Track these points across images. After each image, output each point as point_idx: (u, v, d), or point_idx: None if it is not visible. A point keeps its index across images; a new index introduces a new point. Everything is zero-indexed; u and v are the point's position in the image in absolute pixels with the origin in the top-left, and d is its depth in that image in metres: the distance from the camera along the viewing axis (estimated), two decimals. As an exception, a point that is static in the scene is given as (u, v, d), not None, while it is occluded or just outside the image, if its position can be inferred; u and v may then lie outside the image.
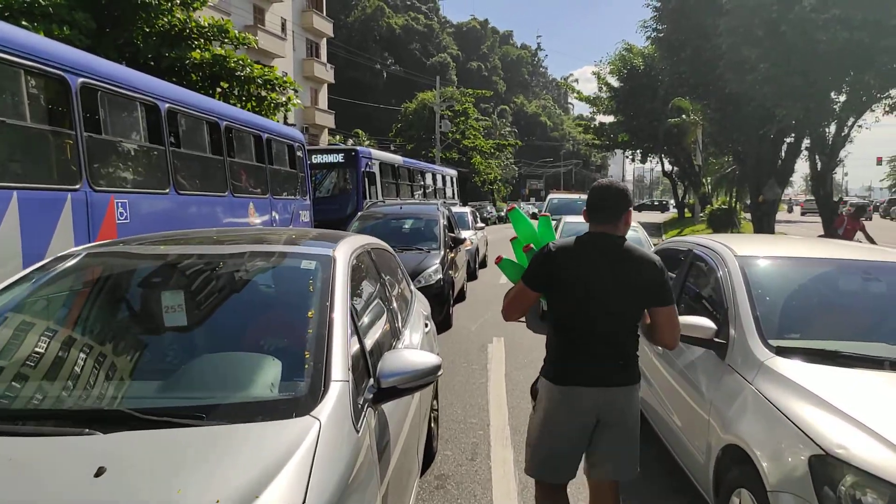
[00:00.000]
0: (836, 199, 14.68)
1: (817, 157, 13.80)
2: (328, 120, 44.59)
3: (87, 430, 1.69)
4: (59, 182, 5.89)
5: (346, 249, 2.73)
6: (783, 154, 19.49)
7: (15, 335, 2.23)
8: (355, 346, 2.32)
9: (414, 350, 2.39)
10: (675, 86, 22.50)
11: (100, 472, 1.51)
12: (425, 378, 2.24)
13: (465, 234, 13.00)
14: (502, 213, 45.12)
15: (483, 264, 15.16)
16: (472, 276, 13.41)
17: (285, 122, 33.05)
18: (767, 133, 15.80)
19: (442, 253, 8.77)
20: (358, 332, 2.38)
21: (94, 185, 6.23)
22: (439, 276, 8.29)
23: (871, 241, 12.79)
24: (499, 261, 3.00)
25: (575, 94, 44.92)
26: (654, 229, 27.29)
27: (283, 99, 16.69)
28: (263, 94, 16.42)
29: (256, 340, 2.29)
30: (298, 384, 1.99)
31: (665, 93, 29.69)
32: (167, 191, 7.55)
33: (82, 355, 2.20)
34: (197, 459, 1.62)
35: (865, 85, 12.09)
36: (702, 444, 3.07)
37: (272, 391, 2.03)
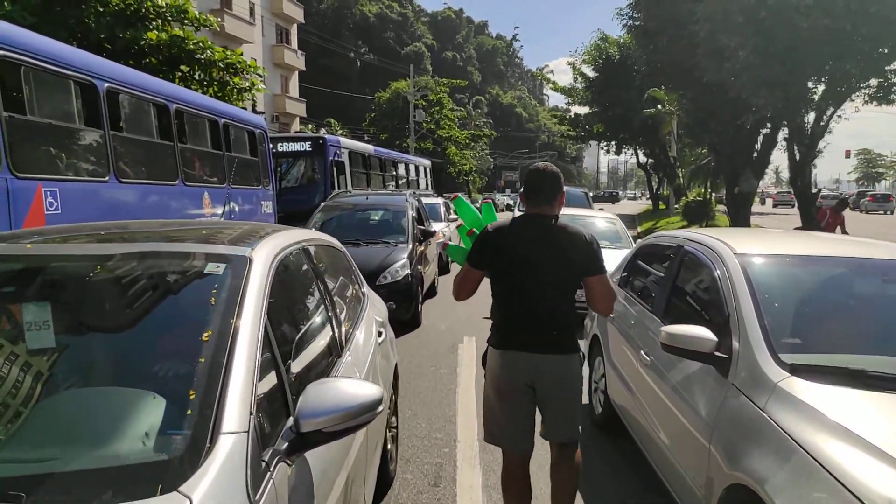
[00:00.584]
0: (814, 190, 14.48)
1: (796, 147, 13.54)
2: (299, 108, 43.59)
3: None
4: (-30, 168, 5.22)
5: (269, 249, 2.18)
6: (759, 145, 19.28)
7: None
8: (271, 377, 1.79)
9: (348, 380, 1.86)
10: (652, 75, 22.13)
11: None
12: (360, 417, 1.72)
13: (437, 226, 12.48)
14: (477, 204, 44.62)
15: (456, 257, 14.64)
16: (444, 269, 12.91)
17: (253, 110, 32.09)
18: (744, 123, 15.50)
19: (410, 247, 8.24)
20: (277, 356, 1.85)
21: (17, 171, 5.56)
22: (407, 271, 7.77)
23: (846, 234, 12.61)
24: (445, 247, 3.41)
25: (550, 85, 44.58)
26: (628, 221, 27.07)
27: (247, 84, 15.93)
28: (226, 78, 15.67)
29: (135, 372, 1.74)
30: (173, 440, 1.45)
31: (640, 83, 29.40)
32: (106, 178, 6.88)
33: None
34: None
35: (846, 73, 11.81)
36: (700, 476, 2.60)
37: (145, 444, 1.49)
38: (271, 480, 1.51)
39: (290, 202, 14.56)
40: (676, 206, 31.90)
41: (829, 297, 2.99)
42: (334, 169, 15.69)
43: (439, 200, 17.29)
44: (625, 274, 4.57)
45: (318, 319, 2.48)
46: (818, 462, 1.92)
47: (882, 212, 41.84)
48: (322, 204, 9.43)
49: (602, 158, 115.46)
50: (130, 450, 1.48)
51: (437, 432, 4.59)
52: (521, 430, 2.82)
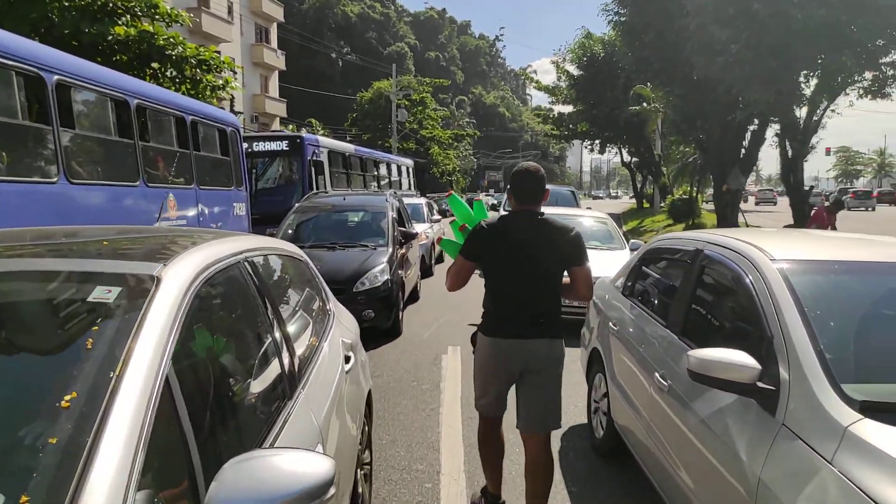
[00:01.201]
0: (806, 187, 14.12)
1: (788, 143, 13.18)
2: (279, 108, 42.81)
3: None
4: None
5: (189, 265, 1.63)
6: (747, 142, 18.97)
7: None
8: (171, 454, 1.25)
9: (286, 453, 1.32)
10: (638, 72, 21.76)
11: None
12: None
13: (419, 227, 11.94)
14: (494, 201, 44.08)
15: (440, 259, 14.13)
16: (427, 272, 12.38)
17: (231, 109, 31.37)
18: (734, 120, 15.17)
19: (390, 250, 7.69)
20: (183, 421, 1.30)
21: (-57, 171, 4.95)
22: (386, 276, 7.22)
23: None
24: (439, 241, 3.40)
25: (534, 84, 44.23)
26: (613, 220, 26.72)
27: (221, 81, 15.28)
28: (199, 75, 15.02)
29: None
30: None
31: (626, 80, 29.11)
32: (55, 179, 6.26)
33: None
34: None
35: (841, 66, 11.46)
36: (741, 536, 2.09)
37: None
38: None
39: (267, 203, 13.96)
40: (662, 204, 31.65)
41: (891, 312, 2.49)
42: (313, 169, 15.10)
43: (422, 201, 16.78)
44: (629, 281, 4.05)
45: (259, 355, 1.93)
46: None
47: (864, 208, 41.95)
48: (296, 205, 8.84)
49: (585, 157, 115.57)
50: None
51: (417, 462, 4.06)
52: (501, 402, 3.15)
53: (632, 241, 9.13)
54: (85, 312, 1.41)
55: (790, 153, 13.21)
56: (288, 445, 1.68)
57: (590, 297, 3.24)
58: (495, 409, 3.15)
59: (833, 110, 13.65)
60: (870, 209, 41.97)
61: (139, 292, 1.44)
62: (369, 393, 3.30)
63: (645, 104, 28.14)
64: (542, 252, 2.95)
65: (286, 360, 2.04)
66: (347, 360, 2.79)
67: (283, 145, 15.20)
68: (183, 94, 14.10)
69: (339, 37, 70.27)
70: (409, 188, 25.33)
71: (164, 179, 8.65)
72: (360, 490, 2.93)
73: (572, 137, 44.89)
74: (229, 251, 1.96)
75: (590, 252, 8.28)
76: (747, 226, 13.37)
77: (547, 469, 3.04)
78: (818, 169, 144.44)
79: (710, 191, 35.99)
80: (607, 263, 8.02)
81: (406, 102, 43.50)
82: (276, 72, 43.86)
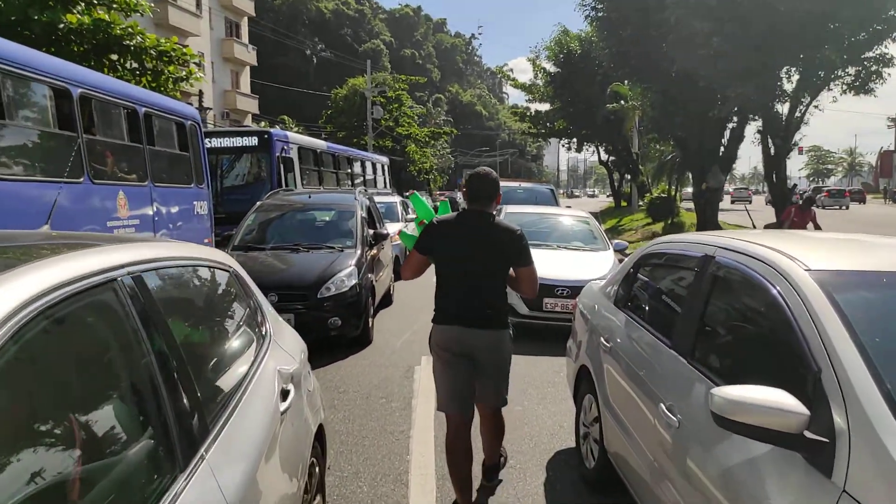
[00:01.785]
0: (789, 185, 13.85)
1: (770, 140, 12.89)
2: (251, 105, 41.87)
3: None
4: None
5: (11, 293, 1.09)
6: (726, 139, 18.75)
7: None
8: None
9: None
10: (616, 68, 21.44)
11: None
12: None
13: (393, 227, 11.38)
14: (437, 203, 43.52)
15: (415, 260, 13.55)
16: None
17: (200, 105, 30.45)
18: (715, 115, 14.88)
19: (359, 252, 7.14)
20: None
21: None
22: (354, 281, 6.66)
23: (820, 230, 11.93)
24: (399, 234, 3.59)
25: (510, 82, 43.86)
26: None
27: (184, 73, 14.54)
28: (160, 67, 14.27)
29: None
30: None
31: (603, 77, 28.83)
32: (-23, 175, 5.60)
33: None
34: None
35: (826, 60, 11.17)
36: None
37: None
38: None
39: (233, 202, 13.31)
40: (640, 202, 31.47)
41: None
42: (281, 166, 14.46)
43: (396, 199, 16.24)
44: (621, 290, 3.56)
45: (126, 412, 1.39)
46: None
47: (837, 206, 42.34)
48: (257, 203, 8.23)
49: (562, 156, 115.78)
50: None
51: (382, 500, 3.52)
52: (462, 398, 3.29)
53: (615, 241, 8.70)
54: None
55: (772, 150, 12.92)
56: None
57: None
58: (457, 404, 3.29)
59: (816, 106, 13.41)
60: (844, 207, 42.36)
61: None
62: (320, 428, 2.76)
63: (622, 102, 27.89)
64: (487, 250, 3.18)
65: (177, 414, 1.49)
66: (286, 395, 2.25)
67: (251, 141, 14.53)
68: (144, 86, 13.39)
69: (313, 33, 69.24)
70: (385, 186, 24.72)
71: (112, 176, 7.98)
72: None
73: (549, 135, 44.64)
74: (99, 266, 1.41)
75: (572, 253, 7.79)
76: (753, 226, 12.80)
77: (496, 429, 3.50)
78: (790, 168, 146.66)
79: (689, 189, 36.03)
80: (590, 266, 7.58)
81: (381, 100, 42.81)
82: (248, 67, 42.88)
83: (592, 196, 73.24)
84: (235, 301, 2.37)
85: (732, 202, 53.19)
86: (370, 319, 7.03)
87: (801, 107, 12.84)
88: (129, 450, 1.32)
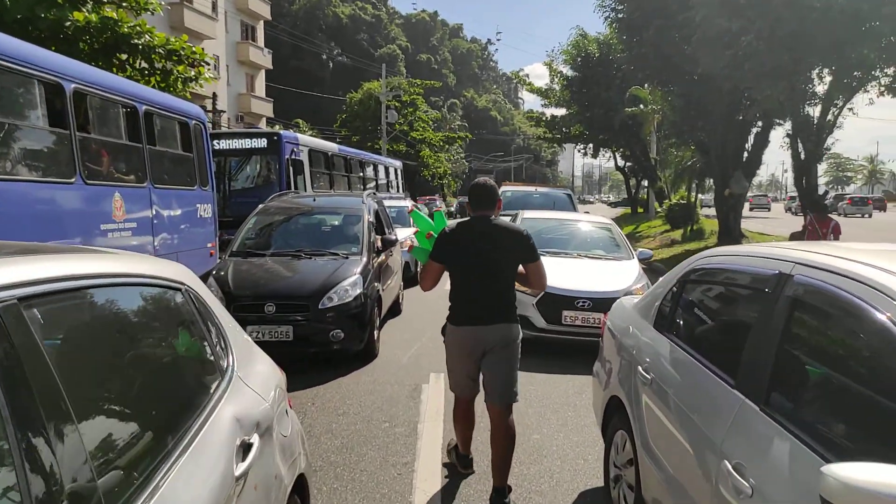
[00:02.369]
0: (821, 192, 13.17)
1: (800, 144, 12.27)
2: (265, 108, 41.70)
3: None
4: None
5: None
6: (750, 144, 18.08)
7: None
8: None
9: None
10: (636, 70, 20.83)
11: None
12: None
13: (404, 232, 10.90)
14: (452, 209, 43.07)
15: (427, 267, 13.06)
16: (412, 281, 11.32)
17: (214, 108, 30.26)
18: (742, 119, 14.25)
19: (364, 259, 6.65)
20: None
21: None
22: (359, 290, 6.18)
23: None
24: (410, 249, 4.14)
25: (527, 87, 43.35)
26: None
27: (193, 73, 14.20)
28: (169, 66, 13.97)
29: None
30: None
31: (622, 81, 28.22)
32: (-45, 173, 5.20)
33: None
34: None
35: (865, 59, 10.54)
36: None
37: None
38: None
39: (240, 205, 12.90)
40: (658, 209, 30.79)
41: None
42: (291, 168, 14.06)
43: (409, 203, 15.78)
44: (664, 310, 3.02)
45: None
46: None
47: (860, 215, 41.25)
48: (259, 206, 7.79)
49: (577, 161, 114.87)
50: None
51: (380, 552, 3.03)
52: (472, 382, 3.61)
53: (640, 250, 8.13)
54: None
55: (802, 155, 12.29)
56: None
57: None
58: (467, 390, 3.64)
59: (850, 109, 12.74)
60: (866, 216, 41.26)
61: None
62: (301, 478, 2.26)
63: (641, 106, 27.27)
64: (494, 251, 3.47)
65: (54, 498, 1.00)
66: (247, 450, 1.75)
67: (259, 142, 14.13)
68: (153, 86, 13.08)
69: (329, 38, 69.33)
70: (398, 190, 24.31)
71: (108, 176, 7.58)
72: None
73: (565, 141, 44.01)
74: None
75: (593, 262, 7.24)
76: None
77: (507, 437, 3.49)
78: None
79: (709, 195, 35.20)
80: (613, 276, 7.03)
81: (396, 103, 42.47)
82: (263, 71, 42.75)
83: (613, 203, 71.28)
84: (185, 329, 1.88)
85: (751, 209, 52.21)
86: (376, 332, 6.54)
87: (835, 109, 12.21)
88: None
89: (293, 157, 14.26)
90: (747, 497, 1.80)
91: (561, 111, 39.37)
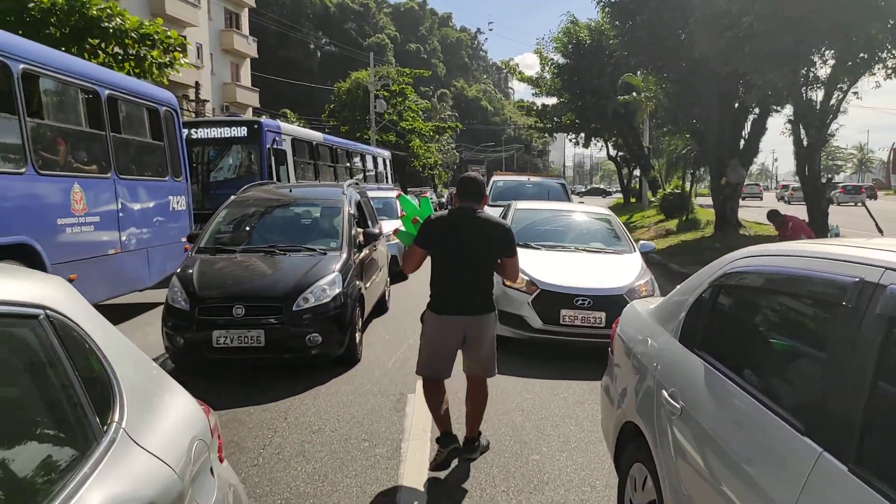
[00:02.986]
0: (823, 180, 12.71)
1: (803, 130, 11.78)
2: (251, 98, 40.85)
3: None
4: None
5: None
6: (747, 131, 17.62)
7: None
8: None
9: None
10: (628, 57, 20.28)
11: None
12: None
13: (391, 225, 10.33)
14: (443, 199, 42.55)
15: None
16: (399, 276, 10.78)
17: (197, 97, 29.44)
18: (742, 104, 13.75)
19: (344, 255, 6.10)
20: None
21: None
22: (337, 289, 5.63)
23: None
24: (395, 233, 4.01)
25: (517, 75, 42.65)
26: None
27: (168, 59, 13.53)
28: (143, 52, 13.30)
29: None
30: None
31: (613, 68, 27.66)
32: None
33: None
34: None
35: (872, 40, 10.04)
36: None
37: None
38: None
39: (219, 197, 12.22)
40: (652, 199, 30.35)
41: None
42: (273, 158, 13.43)
43: (393, 194, 15.19)
44: (691, 321, 2.48)
45: None
46: None
47: (853, 203, 40.98)
48: (230, 198, 7.21)
49: (568, 151, 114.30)
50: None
51: None
52: (446, 367, 3.83)
53: (641, 242, 7.62)
54: None
55: (805, 141, 11.80)
56: None
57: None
58: (437, 373, 3.79)
59: (855, 93, 12.26)
60: (859, 204, 41.00)
61: None
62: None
63: (634, 94, 26.74)
64: (477, 242, 3.64)
65: None
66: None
67: (239, 131, 13.49)
68: (127, 73, 12.43)
69: (317, 27, 68.29)
70: (387, 181, 23.69)
71: (65, 166, 6.97)
72: None
73: (556, 130, 43.32)
74: None
75: (593, 257, 6.69)
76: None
77: (480, 398, 3.83)
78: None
79: (703, 185, 34.74)
80: (614, 271, 6.50)
81: (385, 93, 41.70)
82: (248, 60, 41.86)
83: (606, 193, 70.43)
84: (36, 374, 1.33)
85: (743, 199, 51.90)
86: (357, 334, 5.99)
87: (839, 93, 11.72)
88: None
89: (275, 146, 13.64)
90: None
91: (552, 100, 38.75)
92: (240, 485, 2.01)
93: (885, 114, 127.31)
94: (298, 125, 31.24)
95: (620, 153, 42.18)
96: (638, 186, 37.39)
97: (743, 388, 1.94)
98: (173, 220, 9.38)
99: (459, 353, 3.82)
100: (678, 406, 2.21)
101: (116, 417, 1.46)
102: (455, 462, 3.79)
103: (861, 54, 10.69)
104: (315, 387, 5.25)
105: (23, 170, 6.16)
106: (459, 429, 3.98)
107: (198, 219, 10.39)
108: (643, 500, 2.56)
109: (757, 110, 17.20)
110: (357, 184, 8.72)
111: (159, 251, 8.77)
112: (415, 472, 3.71)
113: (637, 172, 39.35)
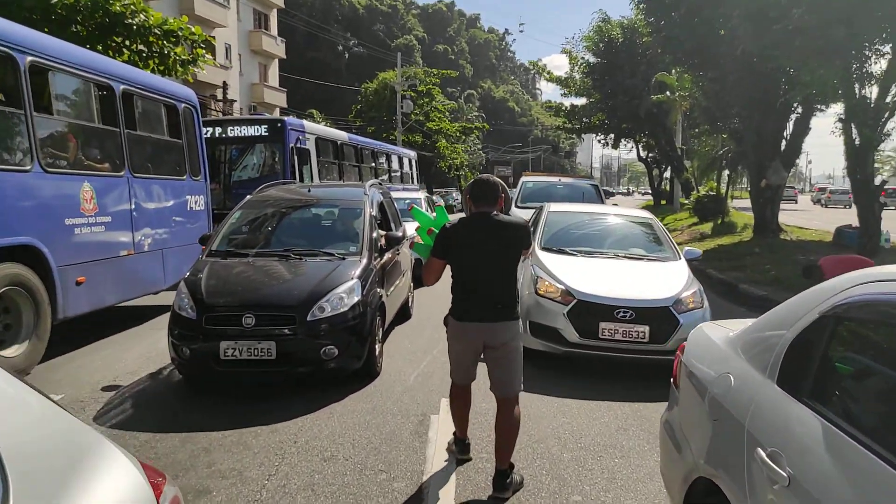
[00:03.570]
0: (877, 182, 11.90)
1: (855, 129, 11.02)
2: (279, 98, 40.86)
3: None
4: None
5: None
6: (789, 131, 16.79)
7: None
8: None
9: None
10: (663, 54, 19.56)
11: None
12: None
13: (414, 226, 9.90)
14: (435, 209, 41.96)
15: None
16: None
17: (224, 97, 29.41)
18: (786, 102, 13.01)
19: (364, 260, 5.64)
20: None
21: None
22: (356, 298, 5.18)
23: None
24: (412, 245, 4.09)
25: (546, 75, 41.97)
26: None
27: (191, 56, 13.30)
28: (167, 49, 13.09)
29: None
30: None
31: (647, 67, 26.90)
32: None
33: None
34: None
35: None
36: None
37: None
38: None
39: (242, 197, 11.98)
40: (685, 201, 29.44)
41: None
42: (296, 157, 13.10)
43: (421, 195, 14.80)
44: (794, 360, 1.95)
45: None
46: None
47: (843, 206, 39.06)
48: (245, 198, 6.82)
49: (596, 153, 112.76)
50: None
51: None
52: (470, 373, 3.76)
53: (686, 248, 7.03)
54: None
55: (857, 141, 11.06)
56: None
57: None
58: (465, 378, 3.76)
59: (915, 88, 11.41)
60: (847, 206, 39.15)
61: None
62: None
63: (668, 93, 25.92)
64: (495, 247, 3.56)
65: None
66: None
67: (262, 130, 13.18)
68: (152, 70, 12.23)
69: (345, 29, 68.34)
70: (412, 181, 23.29)
71: (77, 164, 6.65)
72: None
73: (585, 131, 42.49)
74: None
75: (634, 264, 6.15)
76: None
77: (511, 425, 3.55)
78: (833, 167, 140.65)
79: (737, 187, 33.62)
80: (659, 281, 5.91)
81: (412, 94, 41.39)
82: (276, 60, 41.91)
83: (627, 194, 69.77)
84: None
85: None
86: (377, 346, 5.54)
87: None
88: None
89: (299, 145, 13.30)
90: None
91: (581, 100, 37.96)
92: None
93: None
94: (325, 125, 31.09)
95: (651, 154, 41.22)
96: (669, 188, 36.36)
97: (887, 461, 1.42)
98: (191, 220, 9.06)
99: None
100: (784, 473, 1.68)
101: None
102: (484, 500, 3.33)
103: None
104: (329, 404, 4.80)
105: (28, 167, 5.84)
106: (489, 457, 3.64)
107: (218, 219, 10.09)
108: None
109: (800, 109, 16.38)
110: (380, 183, 8.28)
111: (175, 253, 8.44)
112: (437, 511, 3.23)
113: (668, 174, 38.34)
